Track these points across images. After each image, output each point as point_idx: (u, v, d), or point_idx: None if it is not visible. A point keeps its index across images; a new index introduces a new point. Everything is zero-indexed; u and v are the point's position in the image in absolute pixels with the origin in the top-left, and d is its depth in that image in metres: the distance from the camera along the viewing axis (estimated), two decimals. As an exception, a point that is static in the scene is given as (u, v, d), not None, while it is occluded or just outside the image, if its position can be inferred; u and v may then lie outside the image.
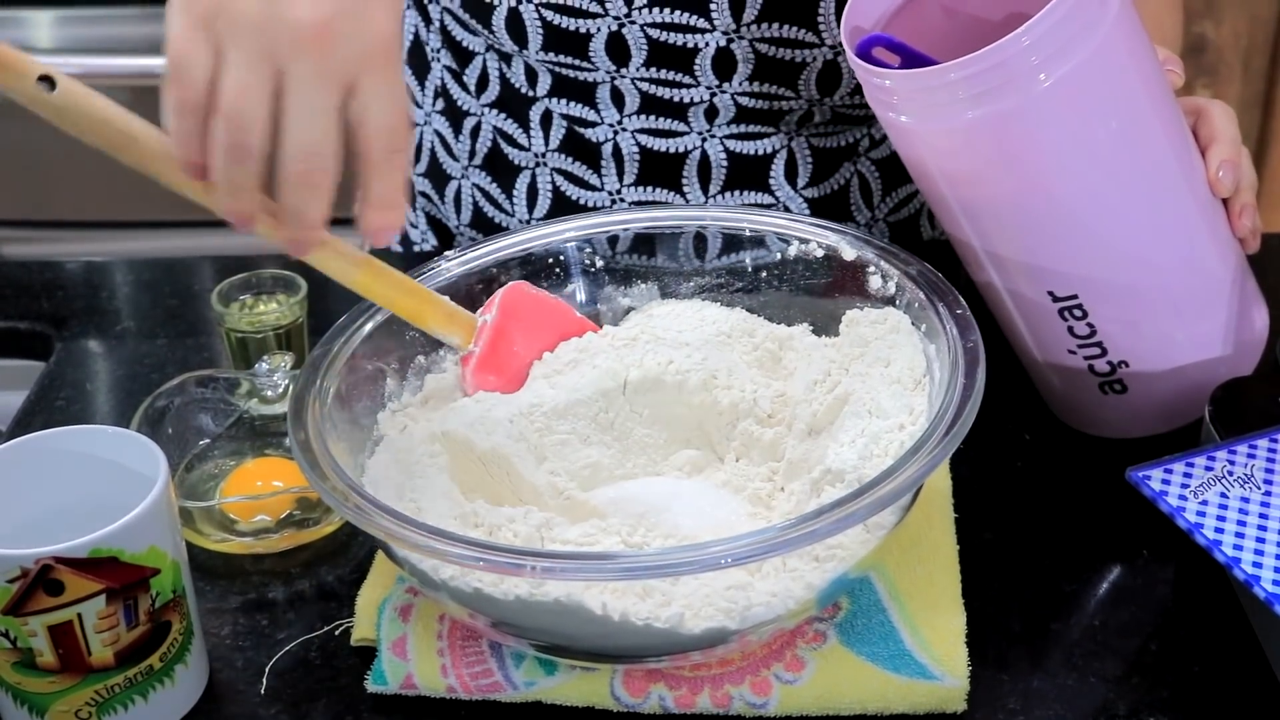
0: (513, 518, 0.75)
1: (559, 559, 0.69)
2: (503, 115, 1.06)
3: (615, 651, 0.73)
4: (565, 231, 0.92)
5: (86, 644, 0.71)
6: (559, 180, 1.06)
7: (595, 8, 0.98)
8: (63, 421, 0.97)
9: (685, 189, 1.05)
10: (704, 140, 1.03)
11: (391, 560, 0.77)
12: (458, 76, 1.08)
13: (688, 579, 0.71)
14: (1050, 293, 0.84)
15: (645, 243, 0.93)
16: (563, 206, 1.06)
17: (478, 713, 0.76)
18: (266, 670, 0.79)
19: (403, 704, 0.77)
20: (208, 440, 0.93)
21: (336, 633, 0.81)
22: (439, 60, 1.10)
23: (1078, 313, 0.84)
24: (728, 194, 1.05)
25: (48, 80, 0.69)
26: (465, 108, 1.08)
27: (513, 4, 0.99)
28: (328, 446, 0.76)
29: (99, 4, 1.88)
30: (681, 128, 1.03)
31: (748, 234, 0.91)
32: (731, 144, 1.04)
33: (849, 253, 0.87)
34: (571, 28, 0.99)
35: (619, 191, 1.06)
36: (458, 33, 1.07)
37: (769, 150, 1.04)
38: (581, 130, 1.04)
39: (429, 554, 0.69)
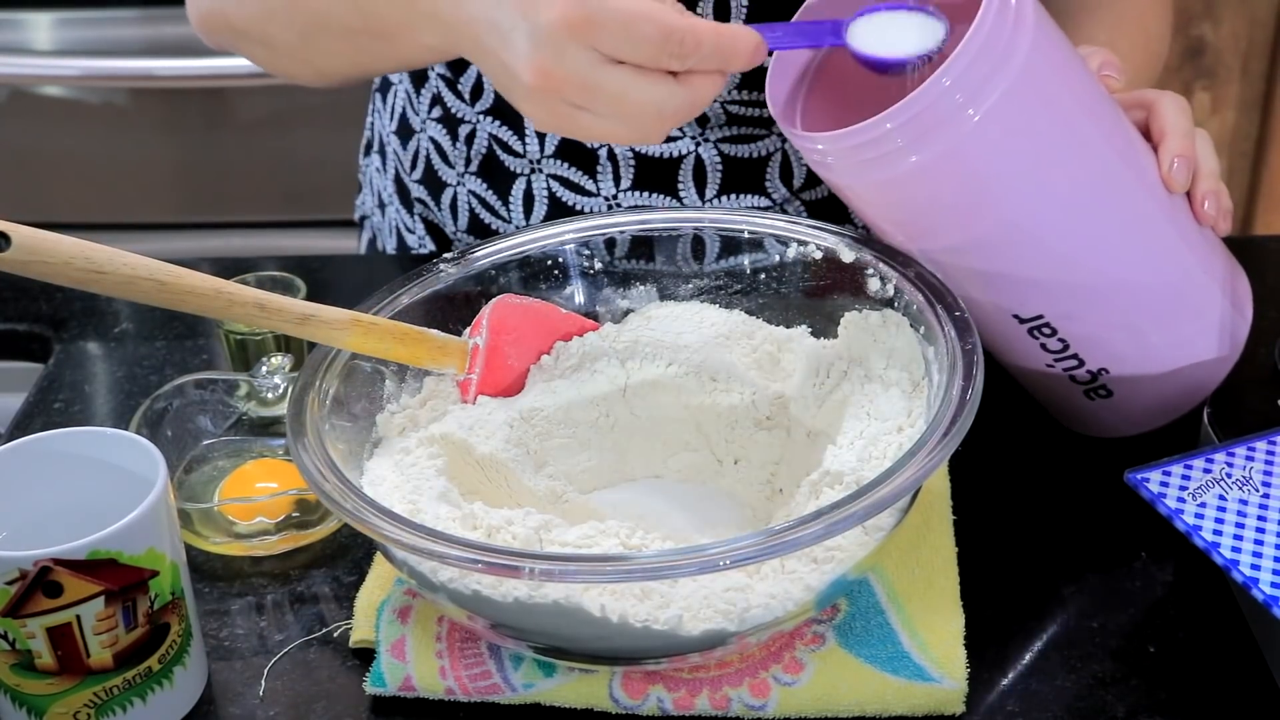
0: (511, 520, 0.75)
1: (558, 561, 0.69)
2: (498, 122, 1.06)
3: (614, 653, 0.74)
4: (563, 234, 0.92)
5: (85, 646, 0.71)
6: (555, 186, 1.06)
7: None
8: (62, 423, 0.97)
9: (681, 193, 1.05)
10: (698, 144, 1.03)
11: (390, 562, 0.77)
12: (452, 84, 1.08)
13: (686, 581, 0.71)
14: (1015, 315, 0.84)
15: (643, 245, 0.93)
16: (559, 211, 1.06)
17: (476, 714, 0.76)
18: (265, 672, 0.79)
19: (401, 706, 0.77)
20: (207, 442, 0.93)
21: (335, 634, 0.81)
22: (434, 69, 1.10)
23: (1046, 330, 0.84)
24: (724, 197, 1.05)
25: (2, 236, 0.68)
26: (460, 115, 1.08)
27: None
28: (326, 448, 0.76)
29: (99, 6, 1.89)
30: (675, 132, 1.03)
31: (746, 236, 0.91)
32: (725, 147, 1.04)
33: (847, 255, 0.87)
34: None
35: (615, 196, 1.06)
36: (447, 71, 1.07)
37: (763, 153, 1.04)
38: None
39: (427, 556, 0.69)
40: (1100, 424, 0.91)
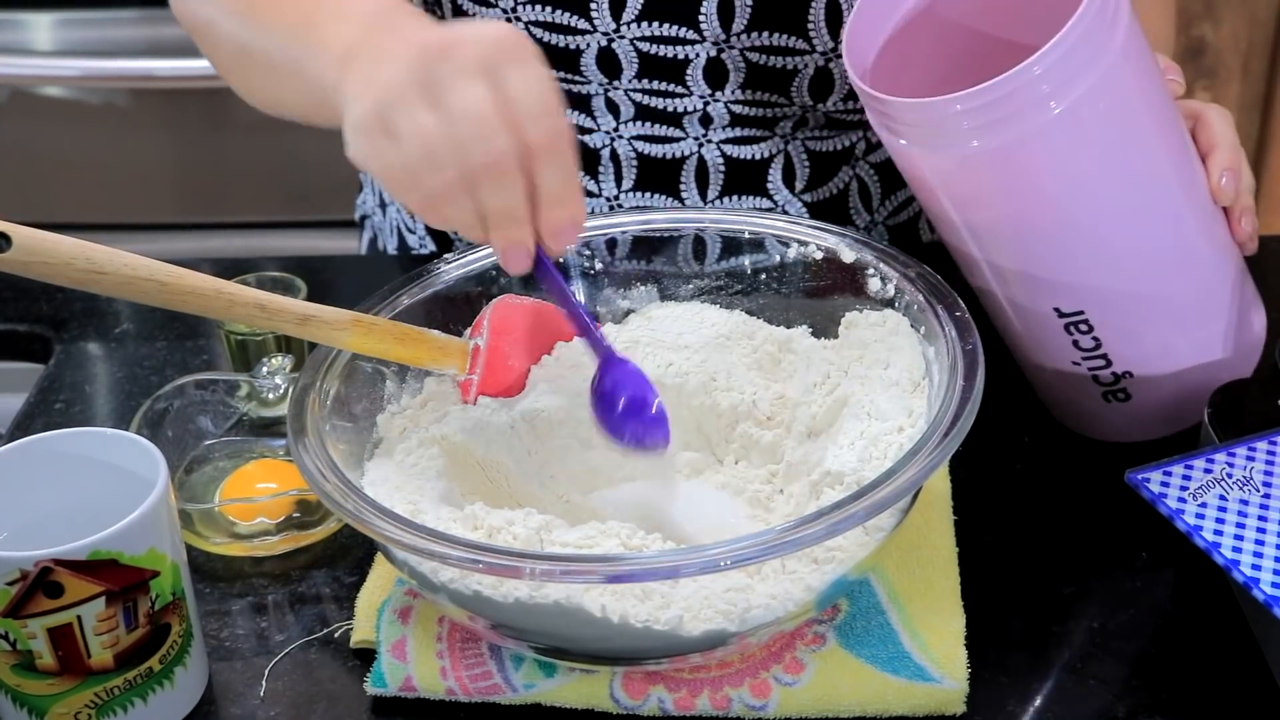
0: (512, 520, 0.75)
1: (558, 561, 0.69)
2: None
3: (614, 654, 0.73)
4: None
5: (86, 646, 0.71)
6: None
7: (583, 24, 0.98)
8: (62, 424, 0.97)
9: (683, 194, 1.05)
10: (700, 145, 1.03)
11: (391, 563, 0.77)
12: None
13: (687, 581, 0.71)
14: (1056, 309, 0.84)
15: (644, 246, 0.93)
16: (560, 211, 1.06)
17: (477, 715, 0.76)
18: (266, 672, 0.79)
19: (402, 706, 0.77)
20: (207, 443, 0.93)
21: (336, 635, 0.81)
22: None
23: (1083, 327, 0.85)
24: (726, 199, 1.05)
25: (2, 237, 0.68)
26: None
27: (502, 21, 0.99)
28: (327, 449, 0.76)
29: (99, 6, 1.89)
30: (677, 134, 1.03)
31: (747, 237, 0.91)
32: (728, 149, 1.04)
33: (848, 255, 0.87)
34: (561, 44, 1.00)
35: (617, 197, 1.06)
36: None
37: (766, 155, 1.04)
38: (579, 137, 1.04)
39: (428, 556, 0.69)
40: (1109, 428, 0.91)
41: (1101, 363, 0.86)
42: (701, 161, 1.04)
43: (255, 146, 1.97)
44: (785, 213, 1.06)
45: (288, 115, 0.92)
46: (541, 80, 0.69)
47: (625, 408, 0.79)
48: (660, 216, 0.93)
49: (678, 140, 1.03)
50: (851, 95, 1.02)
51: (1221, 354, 0.87)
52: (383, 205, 1.23)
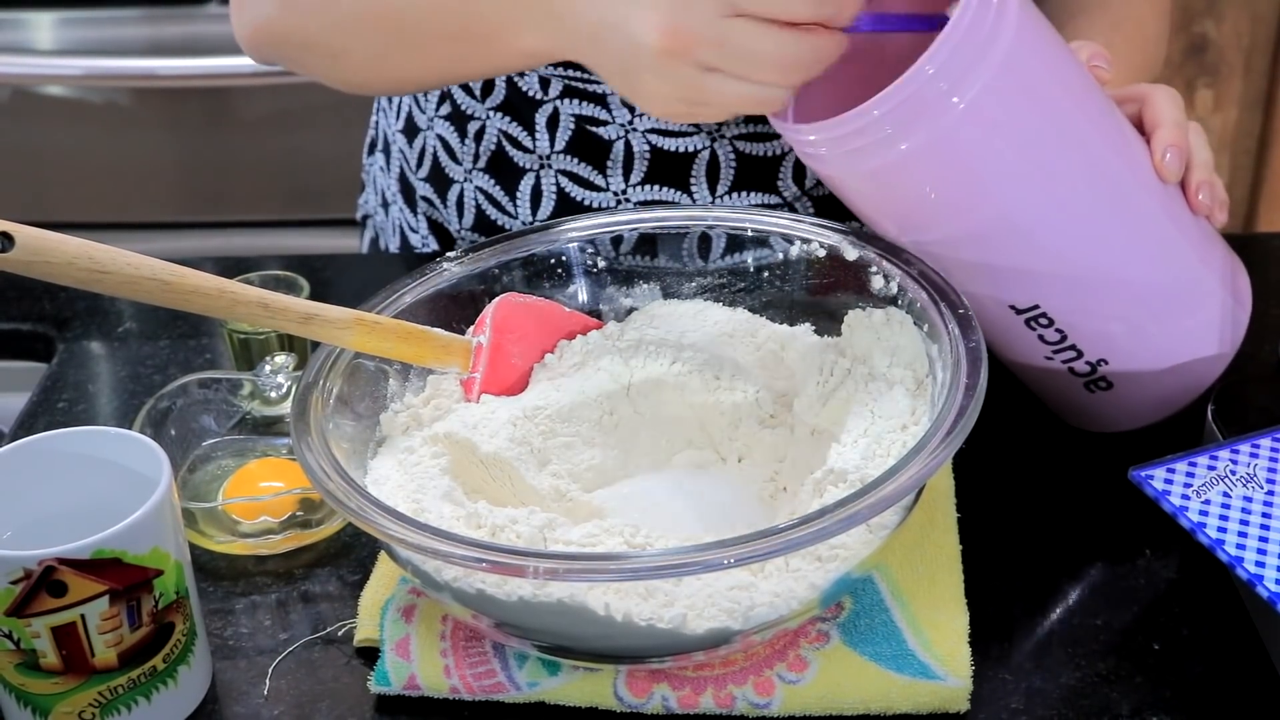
0: (515, 519, 0.75)
1: (562, 560, 0.69)
2: (508, 119, 1.06)
3: (618, 652, 0.74)
4: (568, 232, 0.92)
5: (90, 645, 0.71)
6: (563, 181, 1.06)
7: None
8: (65, 423, 0.97)
9: (693, 189, 1.05)
10: (714, 140, 1.03)
11: (394, 561, 0.77)
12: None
13: (690, 579, 0.71)
14: (1012, 306, 0.84)
15: (647, 243, 0.93)
16: (567, 207, 1.06)
17: (481, 713, 0.76)
18: (269, 671, 0.79)
19: (406, 705, 0.77)
20: (210, 441, 0.93)
21: (339, 634, 0.81)
22: None
23: (1043, 320, 0.84)
24: (735, 194, 1.05)
25: (5, 236, 0.68)
26: (470, 111, 1.08)
27: None
28: (330, 447, 0.76)
29: (101, 6, 1.89)
30: (691, 128, 1.03)
31: (750, 234, 0.91)
32: (741, 145, 1.04)
33: (851, 253, 0.87)
34: None
35: (624, 192, 1.06)
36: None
37: (778, 151, 1.04)
38: (593, 129, 1.04)
39: (432, 555, 0.69)
40: (1102, 418, 0.91)
41: (1073, 354, 0.86)
42: (714, 156, 1.04)
43: (257, 146, 1.97)
44: (792, 209, 1.06)
45: (403, 89, 0.98)
46: None
47: None
48: (663, 214, 0.93)
49: (691, 135, 1.03)
50: None
51: (1202, 334, 0.86)
52: (385, 204, 1.23)
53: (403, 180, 1.17)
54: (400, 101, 1.16)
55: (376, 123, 1.24)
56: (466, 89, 1.08)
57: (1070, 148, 0.81)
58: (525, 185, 1.07)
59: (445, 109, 1.10)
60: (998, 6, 0.78)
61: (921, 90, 0.76)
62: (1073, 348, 0.85)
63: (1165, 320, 0.86)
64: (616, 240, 0.93)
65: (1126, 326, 0.85)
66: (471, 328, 0.87)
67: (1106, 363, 0.86)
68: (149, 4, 1.87)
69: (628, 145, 1.04)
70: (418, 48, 0.93)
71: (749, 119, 1.03)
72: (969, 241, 0.82)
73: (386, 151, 1.20)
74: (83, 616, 0.70)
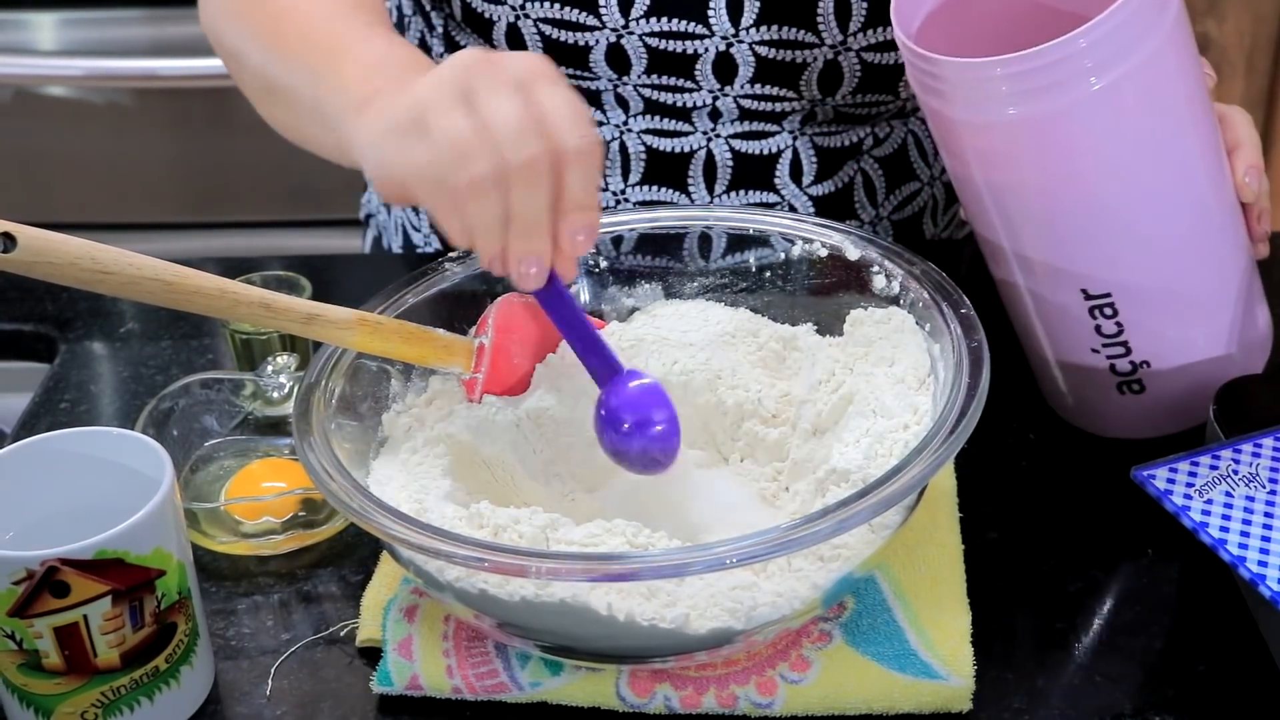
0: (517, 519, 0.75)
1: (564, 560, 0.69)
2: None
3: (620, 652, 0.74)
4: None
5: (92, 645, 0.71)
6: None
7: (592, 21, 0.98)
8: (67, 423, 0.97)
9: (691, 188, 1.05)
10: (709, 140, 1.03)
11: (396, 561, 0.77)
12: None
13: (693, 579, 0.71)
14: (1083, 290, 0.84)
15: (649, 243, 0.93)
16: (565, 207, 1.06)
17: (483, 713, 0.76)
18: (272, 671, 0.79)
19: (408, 705, 0.77)
20: (212, 442, 0.93)
21: (342, 634, 0.81)
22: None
23: (1108, 311, 0.85)
24: (733, 193, 1.05)
25: (7, 237, 0.68)
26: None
27: (511, 19, 0.99)
28: (332, 448, 0.76)
29: (103, 6, 1.89)
30: (686, 128, 1.03)
31: (751, 234, 0.91)
32: (736, 143, 1.04)
33: (853, 252, 0.87)
34: (570, 41, 1.00)
35: (623, 192, 1.06)
36: (462, 39, 1.07)
37: (774, 150, 1.04)
38: None
39: (434, 555, 0.69)
40: (1119, 423, 0.91)
41: (1121, 350, 0.86)
42: (710, 156, 1.04)
43: (259, 146, 1.96)
44: (791, 208, 1.06)
45: (310, 149, 0.93)
46: (572, 98, 0.71)
47: (633, 428, 0.79)
48: (664, 214, 0.93)
49: (686, 135, 1.03)
50: (859, 89, 1.02)
51: (1230, 348, 0.88)
52: (387, 204, 1.23)
53: (404, 180, 1.17)
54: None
55: (378, 123, 1.24)
56: None
57: (1177, 150, 0.82)
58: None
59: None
60: (1163, 1, 0.78)
61: (1064, 61, 0.76)
62: (1124, 344, 0.86)
63: (1208, 330, 0.87)
64: (617, 240, 0.93)
65: (1177, 331, 0.87)
66: (473, 328, 0.87)
67: (1149, 365, 0.87)
68: (151, 4, 1.87)
69: (623, 146, 1.04)
70: (292, 114, 0.93)
71: (746, 116, 1.03)
72: (1057, 218, 0.83)
73: (388, 151, 1.20)
74: (85, 617, 0.70)
